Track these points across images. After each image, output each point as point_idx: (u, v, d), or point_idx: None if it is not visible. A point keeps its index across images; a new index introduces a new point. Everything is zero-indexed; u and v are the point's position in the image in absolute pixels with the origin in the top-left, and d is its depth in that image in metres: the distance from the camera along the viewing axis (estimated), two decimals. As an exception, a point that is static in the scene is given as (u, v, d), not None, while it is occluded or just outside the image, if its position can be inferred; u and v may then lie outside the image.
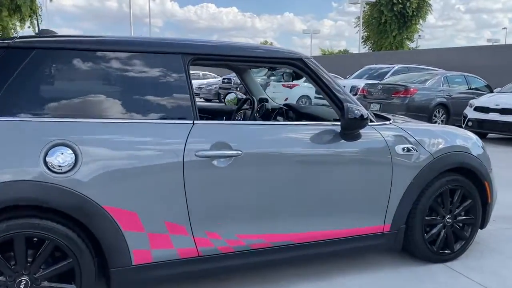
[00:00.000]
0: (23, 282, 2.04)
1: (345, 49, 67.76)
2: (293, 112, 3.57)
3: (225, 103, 4.43)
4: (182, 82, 2.36)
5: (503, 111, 8.71)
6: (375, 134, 2.75)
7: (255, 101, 3.62)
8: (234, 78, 16.99)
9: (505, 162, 6.67)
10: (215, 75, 24.00)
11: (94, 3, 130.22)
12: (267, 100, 3.86)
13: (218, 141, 2.33)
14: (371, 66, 14.98)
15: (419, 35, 37.40)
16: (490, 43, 37.35)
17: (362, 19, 34.18)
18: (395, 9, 32.55)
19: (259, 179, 2.41)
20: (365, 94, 11.06)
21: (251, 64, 2.81)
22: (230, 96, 4.42)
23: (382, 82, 11.69)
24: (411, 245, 2.98)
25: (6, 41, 2.15)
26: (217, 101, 18.97)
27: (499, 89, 10.50)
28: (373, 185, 2.72)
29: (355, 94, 11.45)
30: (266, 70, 7.85)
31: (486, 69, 15.70)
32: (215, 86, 19.88)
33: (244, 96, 4.22)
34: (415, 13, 33.30)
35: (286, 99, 12.55)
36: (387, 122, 2.91)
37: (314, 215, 2.60)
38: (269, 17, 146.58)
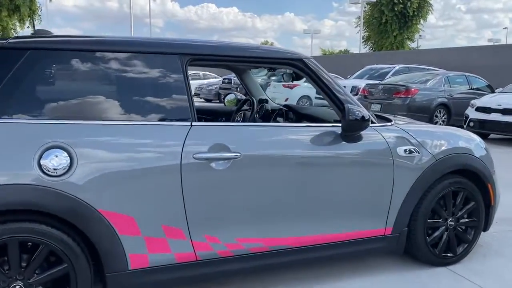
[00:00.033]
0: (17, 287, 2.00)
1: (346, 49, 67.80)
2: (293, 113, 3.53)
3: (225, 104, 4.39)
4: (180, 83, 2.32)
5: (505, 112, 8.66)
6: (376, 135, 2.70)
7: (255, 102, 3.58)
8: (235, 78, 16.95)
9: (507, 163, 6.63)
10: (216, 75, 23.97)
11: (95, 3, 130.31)
12: (267, 101, 3.82)
13: (217, 143, 2.28)
14: (372, 66, 14.94)
15: (420, 35, 37.36)
16: (491, 43, 37.28)
17: (363, 19, 34.15)
18: (396, 9, 32.51)
19: (258, 181, 2.37)
20: (366, 94, 11.02)
21: (250, 64, 2.77)
22: (230, 97, 4.38)
23: (383, 82, 11.65)
24: (413, 248, 2.94)
25: (0, 42, 2.11)
26: (218, 101, 18.94)
27: (501, 89, 10.45)
28: (375, 188, 2.68)
29: (356, 94, 11.40)
30: (266, 70, 7.81)
31: (487, 69, 15.66)
32: (215, 86, 19.87)
33: (243, 97, 4.18)
34: (415, 13, 33.25)
35: (286, 100, 12.51)
36: (389, 124, 2.87)
37: (314, 219, 2.55)
38: (269, 17, 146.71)
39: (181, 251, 2.26)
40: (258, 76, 14.73)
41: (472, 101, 9.56)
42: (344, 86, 2.94)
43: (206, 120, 3.75)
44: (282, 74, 3.87)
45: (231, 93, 4.50)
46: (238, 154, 2.30)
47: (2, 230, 1.93)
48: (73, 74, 2.17)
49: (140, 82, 2.26)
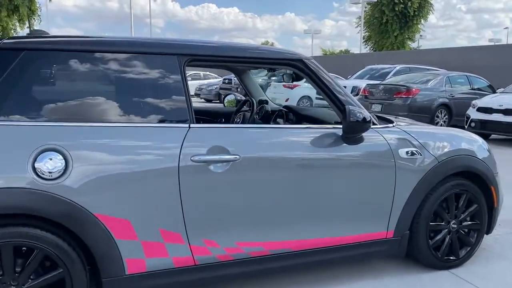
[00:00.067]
0: (11, 293, 1.96)
1: (346, 49, 67.73)
2: (293, 114, 3.48)
3: (224, 105, 4.35)
4: (178, 84, 2.28)
5: (507, 112, 8.61)
6: (378, 137, 2.66)
7: (255, 102, 3.54)
8: (235, 78, 16.87)
9: (509, 164, 6.57)
10: (216, 75, 23.95)
11: (95, 3, 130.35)
12: (266, 102, 3.78)
13: (215, 145, 2.24)
14: (373, 66, 14.89)
15: (421, 35, 37.30)
16: (492, 43, 37.24)
17: (364, 19, 34.12)
18: (397, 9, 32.47)
19: (258, 184, 2.33)
20: (367, 94, 10.97)
21: (250, 65, 2.73)
22: (229, 98, 4.34)
23: (383, 82, 11.60)
24: (415, 252, 2.90)
25: (-5, 42, 2.07)
26: (218, 101, 18.91)
27: (502, 89, 10.41)
28: (376, 190, 2.63)
29: (357, 95, 11.36)
30: (266, 71, 7.78)
31: (488, 69, 15.62)
32: (215, 86, 19.85)
33: (243, 98, 4.14)
34: (416, 13, 33.22)
35: (287, 100, 12.47)
36: (390, 125, 2.82)
37: (315, 222, 2.51)
38: (270, 17, 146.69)
39: (179, 255, 2.22)
40: (259, 77, 14.70)
41: (474, 102, 9.52)
42: (345, 86, 2.90)
43: (205, 121, 3.71)
44: (282, 75, 3.83)
45: (230, 93, 4.46)
46: (237, 157, 2.26)
47: (-4, 235, 1.89)
48: (68, 75, 2.14)
49: (137, 83, 2.22)
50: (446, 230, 2.94)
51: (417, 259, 2.97)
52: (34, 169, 1.92)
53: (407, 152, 2.70)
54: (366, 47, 36.57)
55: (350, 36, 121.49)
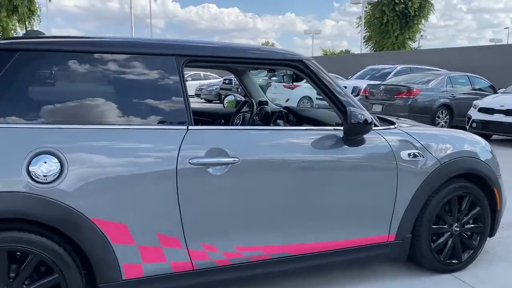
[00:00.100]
0: (6, 299, 1.92)
1: (347, 49, 67.63)
2: (293, 116, 3.44)
3: (224, 106, 4.31)
4: (176, 85, 2.23)
5: (508, 112, 8.56)
6: (379, 139, 2.62)
7: (254, 103, 3.49)
8: (235, 79, 16.89)
9: (510, 165, 6.52)
10: (217, 75, 23.92)
11: (96, 3, 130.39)
12: (266, 103, 3.74)
13: (214, 148, 2.20)
14: (373, 66, 14.84)
15: (421, 35, 37.25)
16: (493, 43, 37.20)
17: (364, 19, 34.07)
18: (397, 9, 32.42)
19: (257, 187, 2.29)
20: (367, 95, 10.92)
21: (249, 66, 2.69)
22: (229, 98, 4.30)
23: (384, 82, 11.55)
24: (417, 255, 2.85)
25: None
26: (218, 101, 18.88)
27: (504, 89, 10.35)
28: (378, 193, 2.59)
29: (357, 95, 11.32)
30: (266, 71, 7.74)
31: (489, 69, 15.56)
32: (216, 87, 19.84)
33: (243, 98, 4.10)
34: (417, 13, 33.17)
35: (287, 100, 12.44)
36: (392, 127, 2.78)
37: (316, 225, 2.47)
38: (270, 17, 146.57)
39: (177, 260, 2.18)
40: (259, 77, 14.67)
41: (475, 102, 9.47)
42: (345, 87, 2.86)
43: (204, 123, 3.67)
44: (283, 76, 3.79)
45: (230, 94, 4.42)
46: (236, 159, 2.22)
47: (-11, 240, 1.85)
48: (63, 76, 2.10)
49: (134, 85, 2.17)
50: (449, 233, 2.90)
51: (419, 263, 2.93)
52: (28, 172, 1.88)
53: (409, 154, 2.66)
54: (367, 47, 36.53)
55: (351, 36, 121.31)
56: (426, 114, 9.94)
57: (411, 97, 10.01)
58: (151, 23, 37.04)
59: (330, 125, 2.73)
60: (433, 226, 2.82)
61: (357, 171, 2.53)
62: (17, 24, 28.10)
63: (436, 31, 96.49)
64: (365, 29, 35.38)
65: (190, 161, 2.13)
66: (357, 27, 37.39)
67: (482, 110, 9.09)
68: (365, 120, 2.41)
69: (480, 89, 11.24)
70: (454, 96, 10.53)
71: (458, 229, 2.92)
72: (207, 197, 2.18)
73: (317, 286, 2.73)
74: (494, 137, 9.53)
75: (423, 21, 34.51)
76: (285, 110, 3.58)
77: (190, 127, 2.21)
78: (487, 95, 10.27)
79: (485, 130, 8.89)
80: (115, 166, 2.02)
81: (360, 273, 2.92)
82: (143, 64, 2.19)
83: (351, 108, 2.43)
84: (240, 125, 3.44)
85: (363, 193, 2.55)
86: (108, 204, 2.00)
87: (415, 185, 2.68)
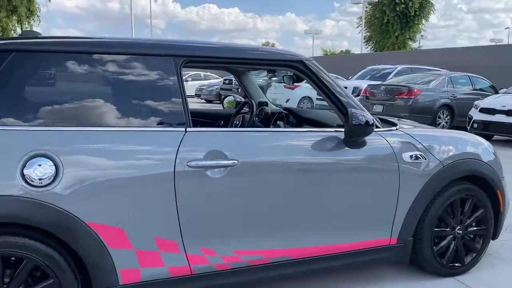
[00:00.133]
0: (0, 305, 1.88)
1: (347, 49, 67.52)
2: (293, 117, 3.40)
3: (223, 106, 4.27)
4: (174, 86, 2.19)
5: (510, 113, 8.52)
6: (381, 140, 2.58)
7: (254, 104, 3.45)
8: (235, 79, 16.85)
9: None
10: (217, 76, 23.88)
11: (96, 4, 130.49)
12: (266, 104, 3.70)
13: (213, 150, 2.16)
14: (374, 66, 14.80)
15: (422, 35, 37.19)
16: (493, 43, 37.14)
17: (364, 19, 34.01)
18: (398, 9, 32.36)
19: (257, 190, 2.24)
20: (368, 95, 10.88)
21: (249, 66, 2.65)
22: (229, 99, 4.26)
23: (385, 83, 11.51)
24: (419, 258, 2.81)
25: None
26: (218, 102, 18.84)
27: (505, 89, 10.31)
28: (379, 195, 2.55)
29: (358, 95, 11.27)
30: (266, 72, 7.69)
31: (490, 69, 15.51)
32: (216, 87, 19.81)
33: (243, 99, 4.06)
34: (417, 13, 33.11)
35: (287, 101, 12.40)
36: (394, 128, 2.74)
37: (316, 228, 2.43)
38: (270, 17, 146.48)
39: (175, 264, 2.14)
40: (259, 77, 14.63)
41: (476, 102, 9.43)
42: (346, 87, 2.81)
43: (203, 124, 3.63)
44: (283, 76, 3.75)
45: (230, 95, 4.38)
46: (236, 162, 2.18)
47: (-17, 245, 1.81)
48: (59, 77, 2.05)
49: (133, 86, 2.13)
50: (451, 236, 2.86)
51: (422, 266, 2.89)
52: (23, 175, 1.84)
53: (411, 156, 2.62)
54: (367, 48, 36.46)
55: (351, 36, 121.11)
56: (427, 115, 9.89)
57: (411, 97, 9.97)
58: (151, 24, 37.03)
59: (330, 126, 2.69)
60: (435, 229, 2.78)
61: (358, 173, 2.49)
62: (17, 25, 28.05)
63: (436, 31, 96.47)
64: (366, 29, 35.32)
65: (188, 163, 2.09)
66: (357, 27, 37.37)
67: (483, 110, 9.04)
68: (367, 122, 2.37)
69: (481, 89, 11.20)
70: (455, 97, 10.49)
71: (460, 232, 2.88)
72: (206, 201, 2.14)
73: (318, 290, 2.70)
74: (496, 137, 9.48)
75: (423, 21, 34.46)
76: (285, 111, 3.54)
77: (188, 129, 2.17)
78: (488, 95, 10.24)
79: (486, 130, 8.85)
80: (111, 169, 1.98)
81: (362, 276, 2.88)
82: (140, 65, 2.15)
83: (352, 109, 2.39)
84: (239, 126, 3.40)
85: (364, 196, 2.51)
86: (104, 208, 1.96)
87: (417, 188, 2.64)
